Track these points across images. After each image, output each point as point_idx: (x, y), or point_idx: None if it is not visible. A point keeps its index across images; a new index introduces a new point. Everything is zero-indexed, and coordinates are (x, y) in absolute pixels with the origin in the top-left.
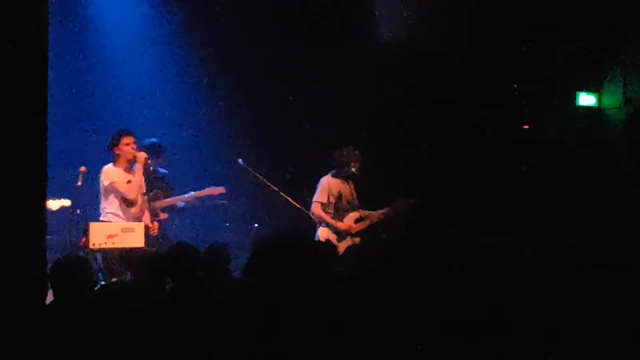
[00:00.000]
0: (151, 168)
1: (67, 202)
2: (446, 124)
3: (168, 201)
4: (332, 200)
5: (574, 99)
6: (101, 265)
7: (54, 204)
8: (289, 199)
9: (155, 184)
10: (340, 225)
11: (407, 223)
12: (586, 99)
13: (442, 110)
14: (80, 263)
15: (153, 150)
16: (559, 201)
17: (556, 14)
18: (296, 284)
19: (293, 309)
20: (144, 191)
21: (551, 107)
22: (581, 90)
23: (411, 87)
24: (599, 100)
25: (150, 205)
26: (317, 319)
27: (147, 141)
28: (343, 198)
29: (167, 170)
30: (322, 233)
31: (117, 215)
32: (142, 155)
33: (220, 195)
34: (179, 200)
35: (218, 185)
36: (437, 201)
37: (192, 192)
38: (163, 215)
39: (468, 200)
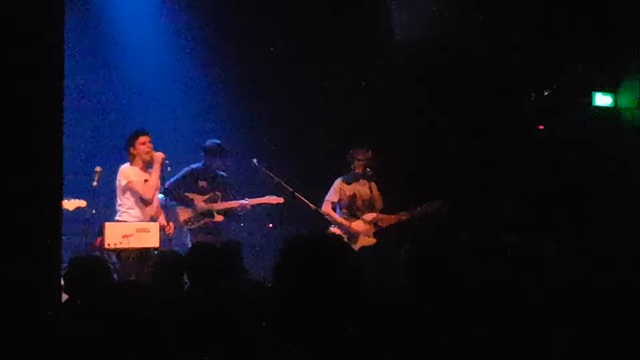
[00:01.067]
0: (217, 170)
1: (83, 203)
2: (460, 125)
3: (224, 204)
4: (345, 200)
5: (590, 99)
6: (116, 265)
7: (70, 204)
8: (303, 199)
9: (214, 186)
10: (349, 224)
11: (427, 225)
12: (602, 99)
13: (457, 111)
14: (96, 263)
15: (214, 152)
16: (574, 202)
17: (571, 14)
18: (335, 285)
19: (327, 311)
20: (160, 191)
21: (567, 108)
22: (597, 90)
23: (427, 87)
24: (615, 100)
25: (206, 207)
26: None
27: (208, 142)
28: (358, 199)
29: (226, 173)
30: (332, 232)
31: (133, 215)
32: (159, 155)
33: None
34: (235, 205)
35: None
36: (455, 203)
37: (248, 199)
38: (218, 218)
39: (484, 201)
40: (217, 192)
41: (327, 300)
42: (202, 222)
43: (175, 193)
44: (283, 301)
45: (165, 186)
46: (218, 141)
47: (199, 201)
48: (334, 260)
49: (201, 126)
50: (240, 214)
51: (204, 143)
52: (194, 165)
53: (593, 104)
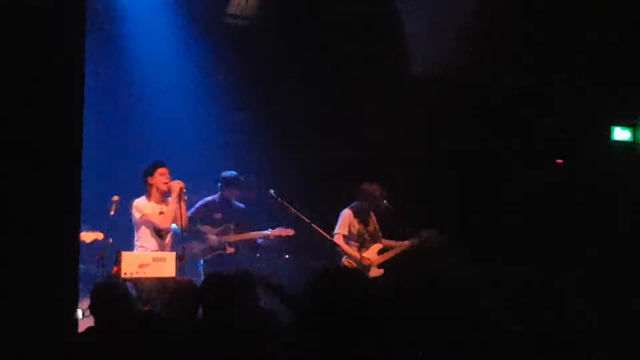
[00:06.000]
0: (233, 201)
1: (100, 235)
2: (476, 156)
3: (236, 237)
4: (354, 232)
5: (608, 133)
6: (133, 295)
7: (87, 237)
8: (319, 230)
9: (229, 218)
10: (361, 256)
11: (434, 255)
12: (621, 134)
13: (472, 143)
14: (118, 289)
15: (230, 183)
16: (593, 236)
17: (592, 49)
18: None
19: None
20: (179, 222)
21: (585, 142)
22: (616, 124)
23: (441, 119)
24: (634, 134)
25: (218, 240)
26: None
27: (225, 173)
28: (365, 230)
29: (245, 205)
30: (347, 264)
31: (148, 247)
32: (176, 185)
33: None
34: (246, 237)
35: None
36: (464, 233)
37: (260, 232)
38: (230, 250)
39: (497, 233)
40: (230, 225)
41: (350, 333)
42: (215, 254)
43: (190, 226)
44: (306, 332)
45: None
46: (235, 172)
47: (212, 234)
48: (358, 294)
49: (220, 155)
50: (259, 243)
51: (219, 174)
52: (209, 198)
53: (612, 138)
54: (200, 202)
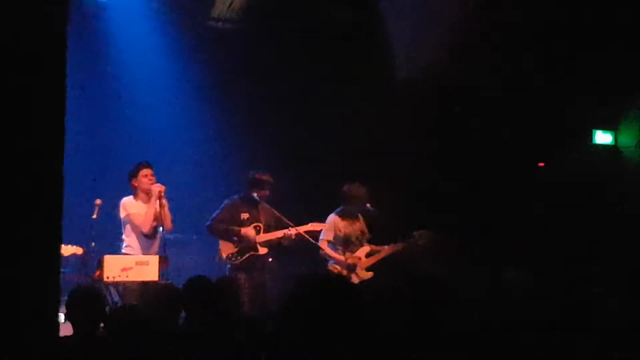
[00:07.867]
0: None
1: (79, 250)
2: (460, 160)
3: (268, 235)
4: (340, 235)
5: (590, 137)
6: (115, 298)
7: (65, 250)
8: (304, 234)
9: (256, 218)
10: (346, 259)
11: (423, 258)
12: (602, 137)
13: (456, 147)
14: (92, 294)
15: (258, 183)
16: (574, 240)
17: (573, 52)
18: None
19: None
20: (161, 224)
21: (567, 145)
22: (597, 128)
23: (424, 122)
24: (615, 138)
25: (254, 237)
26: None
27: (253, 173)
28: (352, 233)
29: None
30: (332, 269)
31: (134, 247)
32: (155, 188)
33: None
34: (279, 235)
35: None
36: (450, 237)
37: (291, 228)
38: (262, 250)
39: (481, 238)
40: (260, 224)
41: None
42: (247, 256)
43: (220, 227)
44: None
45: (207, 224)
46: (264, 172)
47: (247, 231)
48: (342, 302)
49: (202, 159)
50: (286, 245)
51: (249, 175)
52: (235, 197)
53: (593, 142)
54: (226, 201)
